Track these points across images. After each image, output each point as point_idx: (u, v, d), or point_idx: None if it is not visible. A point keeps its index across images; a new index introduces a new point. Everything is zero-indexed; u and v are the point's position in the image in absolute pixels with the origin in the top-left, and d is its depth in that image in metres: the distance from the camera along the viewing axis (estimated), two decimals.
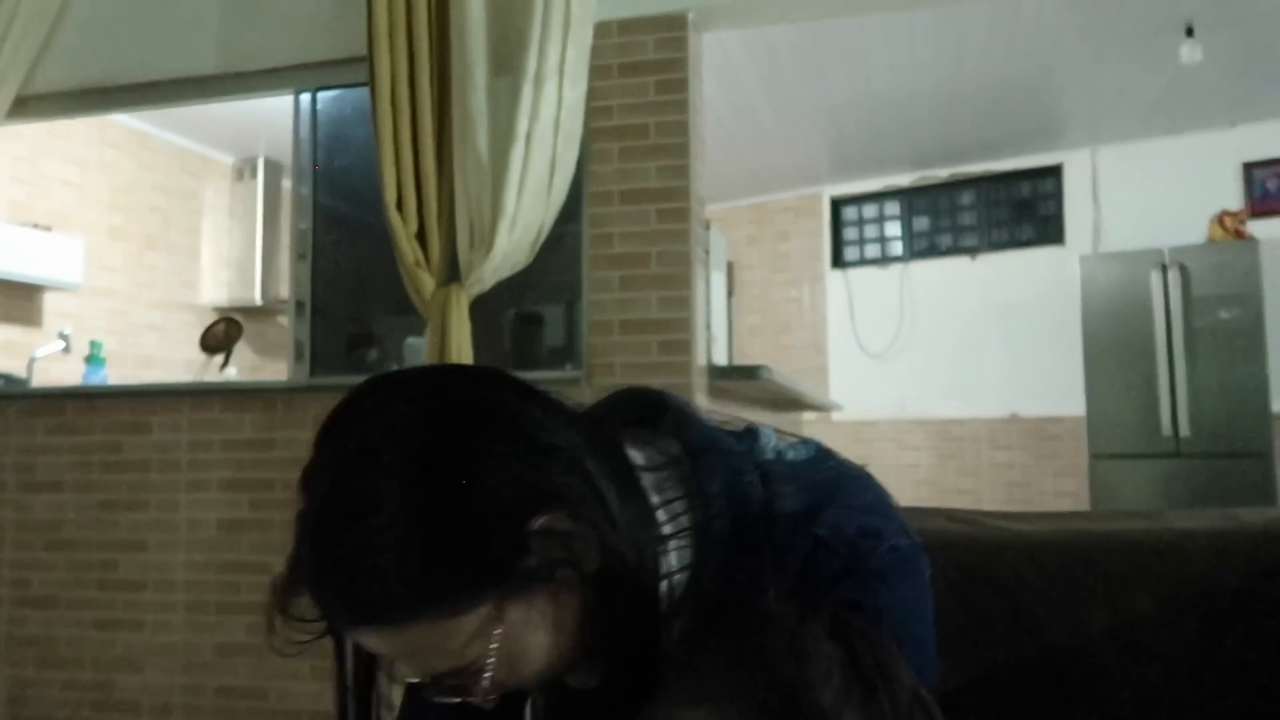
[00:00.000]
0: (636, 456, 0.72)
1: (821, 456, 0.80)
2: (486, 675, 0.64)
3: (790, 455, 0.79)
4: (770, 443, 0.79)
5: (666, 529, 0.69)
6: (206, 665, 2.71)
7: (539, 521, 0.63)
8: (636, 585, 0.66)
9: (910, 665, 0.66)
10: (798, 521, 0.71)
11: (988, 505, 5.88)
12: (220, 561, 2.73)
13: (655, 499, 0.70)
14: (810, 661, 0.60)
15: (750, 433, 0.79)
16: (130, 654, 2.77)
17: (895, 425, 6.26)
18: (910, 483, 6.16)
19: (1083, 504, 5.31)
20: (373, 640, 0.65)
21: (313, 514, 0.65)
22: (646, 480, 0.71)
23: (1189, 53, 4.04)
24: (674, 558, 0.69)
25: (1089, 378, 4.95)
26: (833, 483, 0.76)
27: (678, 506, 0.70)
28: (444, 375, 0.71)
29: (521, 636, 0.64)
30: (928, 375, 6.14)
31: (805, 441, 0.82)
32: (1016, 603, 1.02)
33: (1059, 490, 5.76)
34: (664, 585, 0.68)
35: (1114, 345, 4.88)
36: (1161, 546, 1.03)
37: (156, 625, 2.76)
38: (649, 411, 0.78)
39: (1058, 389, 5.60)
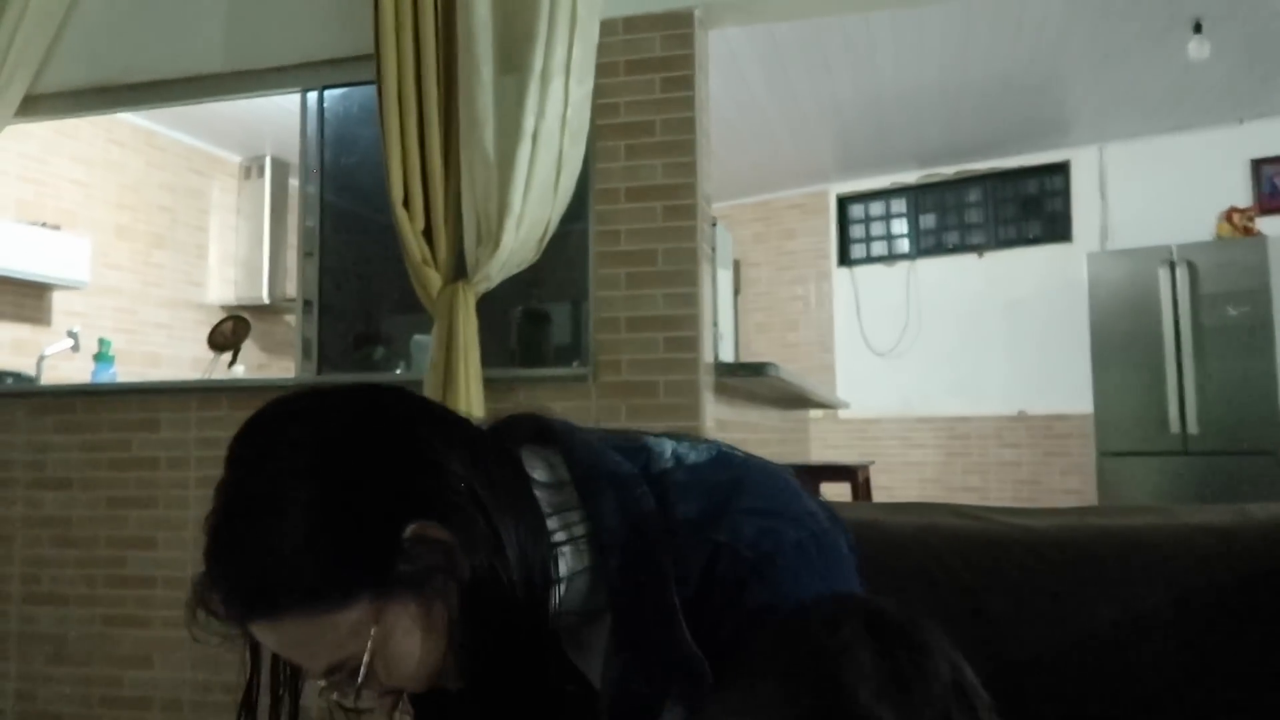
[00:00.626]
0: (534, 471, 0.76)
1: (723, 457, 0.80)
2: (362, 674, 0.68)
3: (691, 458, 0.78)
4: (667, 451, 0.79)
5: (559, 536, 0.73)
6: (215, 662, 2.72)
7: (412, 529, 0.67)
8: (512, 594, 0.69)
9: None
10: (695, 528, 0.72)
11: (995, 503, 5.86)
12: None
13: (549, 510, 0.74)
14: (847, 663, 0.61)
15: (642, 449, 0.79)
16: (139, 650, 2.78)
17: (902, 423, 6.25)
18: (917, 480, 6.15)
19: (1090, 501, 5.29)
20: (263, 633, 0.69)
21: (214, 515, 0.70)
22: (541, 493, 0.74)
23: (1197, 49, 4.03)
24: (567, 563, 0.72)
25: (1097, 375, 4.93)
26: (731, 484, 0.76)
27: (572, 516, 0.73)
28: (344, 393, 0.75)
29: (396, 638, 0.69)
30: (934, 373, 6.13)
31: (707, 443, 0.82)
32: (1024, 598, 1.02)
33: (1066, 488, 5.75)
34: (560, 589, 0.72)
35: (1122, 343, 4.87)
36: (1170, 542, 1.02)
37: (165, 621, 2.77)
38: (541, 434, 0.80)
39: (1065, 386, 5.59)
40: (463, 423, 0.76)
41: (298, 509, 0.67)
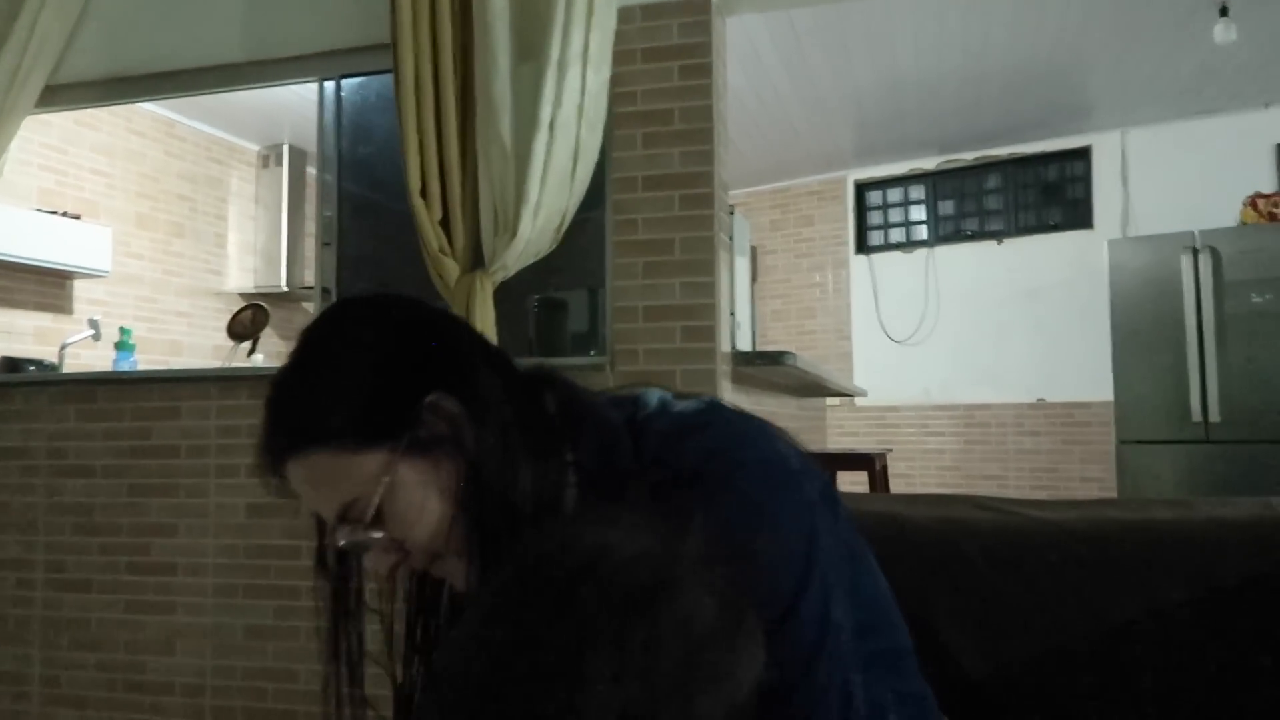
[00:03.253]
0: (548, 402, 0.86)
1: (709, 407, 0.84)
2: (369, 513, 0.78)
3: (677, 407, 0.84)
4: (654, 400, 0.85)
5: (547, 460, 0.81)
6: (236, 647, 2.75)
7: (431, 397, 0.79)
8: (512, 486, 0.78)
9: (752, 578, 0.69)
10: (652, 460, 0.79)
11: (1014, 491, 5.85)
12: (249, 545, 2.76)
13: (545, 438, 0.83)
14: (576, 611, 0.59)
15: (631, 399, 0.86)
16: (161, 636, 2.81)
17: (920, 411, 6.22)
18: (935, 469, 6.13)
19: (1110, 490, 5.26)
20: (295, 472, 0.80)
21: (278, 371, 0.84)
22: (544, 421, 0.84)
23: (1223, 32, 3.97)
24: (543, 479, 0.80)
25: (1117, 363, 4.89)
26: (700, 425, 0.81)
27: (553, 454, 0.82)
28: (407, 296, 0.88)
29: (405, 491, 0.78)
30: (953, 361, 6.10)
31: (700, 399, 0.86)
32: (1044, 591, 1.02)
33: (1086, 476, 5.71)
34: (532, 503, 0.79)
35: (1143, 330, 4.82)
36: (1193, 535, 1.02)
37: (187, 608, 2.80)
38: (548, 377, 0.89)
39: (1085, 374, 5.54)
40: (491, 345, 0.88)
41: (340, 364, 0.80)
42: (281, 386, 0.82)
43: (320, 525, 0.85)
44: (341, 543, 0.82)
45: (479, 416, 0.79)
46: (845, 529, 0.86)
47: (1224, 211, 5.02)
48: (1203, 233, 4.75)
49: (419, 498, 0.79)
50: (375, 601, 0.92)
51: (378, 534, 0.79)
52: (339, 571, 0.88)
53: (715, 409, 0.84)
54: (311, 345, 0.84)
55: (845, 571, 0.81)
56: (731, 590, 0.62)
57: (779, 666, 0.70)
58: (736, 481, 0.76)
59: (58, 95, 3.16)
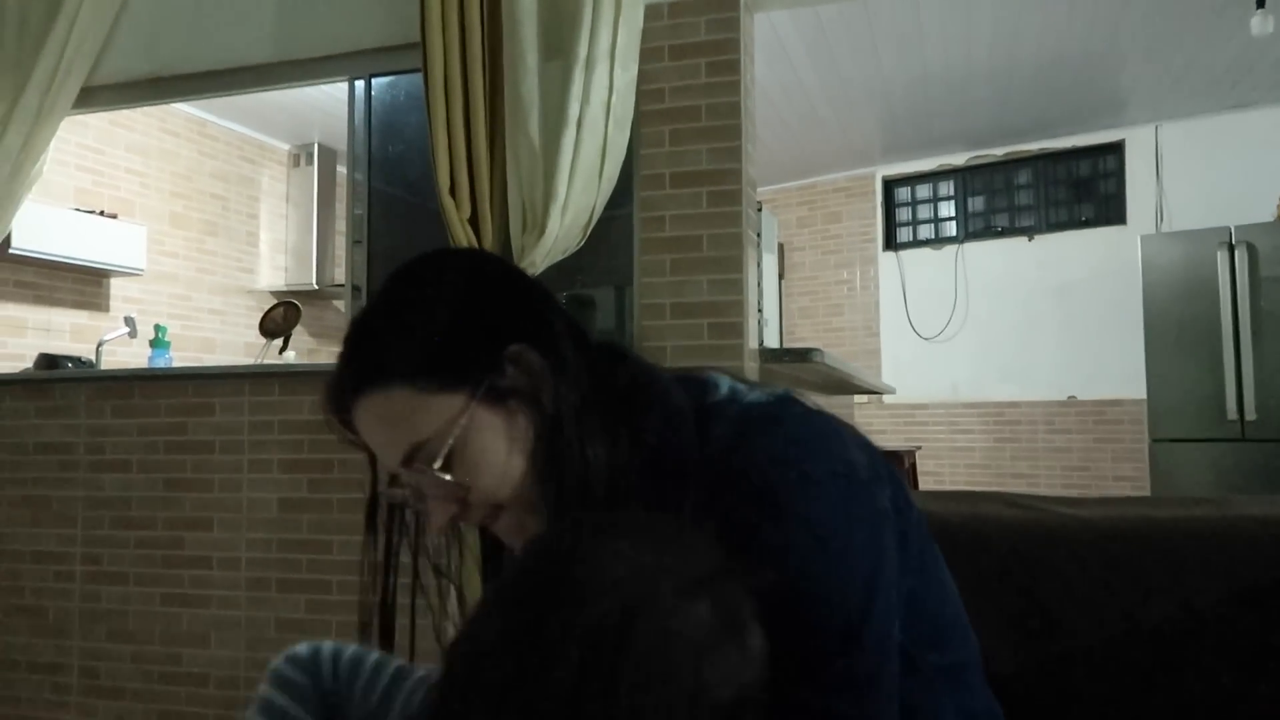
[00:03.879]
0: (620, 375, 0.83)
1: (782, 400, 0.81)
2: (441, 458, 0.76)
3: (749, 397, 0.81)
4: (724, 386, 0.83)
5: (617, 431, 0.79)
6: (269, 640, 2.78)
7: (514, 348, 0.78)
8: (579, 440, 0.77)
9: (809, 596, 0.69)
10: (718, 453, 0.76)
11: (1045, 490, 5.79)
12: (281, 540, 2.80)
13: (615, 410, 0.81)
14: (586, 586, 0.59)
15: (701, 382, 0.84)
16: (196, 628, 2.86)
17: (949, 409, 6.18)
18: (964, 467, 6.08)
19: (1143, 489, 5.20)
20: (369, 406, 0.79)
21: (359, 311, 0.85)
22: (614, 394, 0.81)
23: (1260, 24, 3.90)
24: (614, 446, 0.78)
25: (1150, 360, 4.83)
26: (769, 418, 0.78)
27: (623, 425, 0.80)
28: (496, 256, 0.90)
29: (478, 437, 0.77)
30: (982, 358, 6.05)
31: (773, 389, 0.84)
32: (1077, 590, 1.01)
33: (1118, 475, 5.64)
34: (604, 468, 0.77)
35: (1177, 327, 4.75)
36: (1227, 534, 1.00)
37: (221, 601, 2.84)
38: (620, 350, 0.88)
39: (1117, 371, 5.48)
40: (569, 313, 0.86)
41: (427, 305, 0.79)
42: (363, 324, 0.82)
43: (374, 474, 0.85)
44: (403, 488, 0.82)
45: (560, 373, 0.79)
46: (916, 535, 0.82)
47: (1260, 206, 4.94)
48: (1238, 228, 4.67)
49: (492, 446, 0.78)
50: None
51: (447, 476, 0.78)
52: (390, 527, 0.88)
53: (786, 404, 0.81)
54: (399, 287, 0.83)
55: (911, 584, 0.79)
56: (734, 604, 0.62)
57: (835, 691, 0.70)
58: (802, 503, 0.72)
59: (95, 96, 3.21)
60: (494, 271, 0.85)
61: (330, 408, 0.82)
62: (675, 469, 0.77)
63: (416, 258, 0.86)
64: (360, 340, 0.82)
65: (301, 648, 0.91)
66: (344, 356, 0.82)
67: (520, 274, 0.87)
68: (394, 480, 0.83)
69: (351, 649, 0.91)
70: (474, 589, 0.91)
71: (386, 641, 0.94)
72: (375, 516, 0.88)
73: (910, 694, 0.76)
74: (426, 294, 0.81)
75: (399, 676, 0.87)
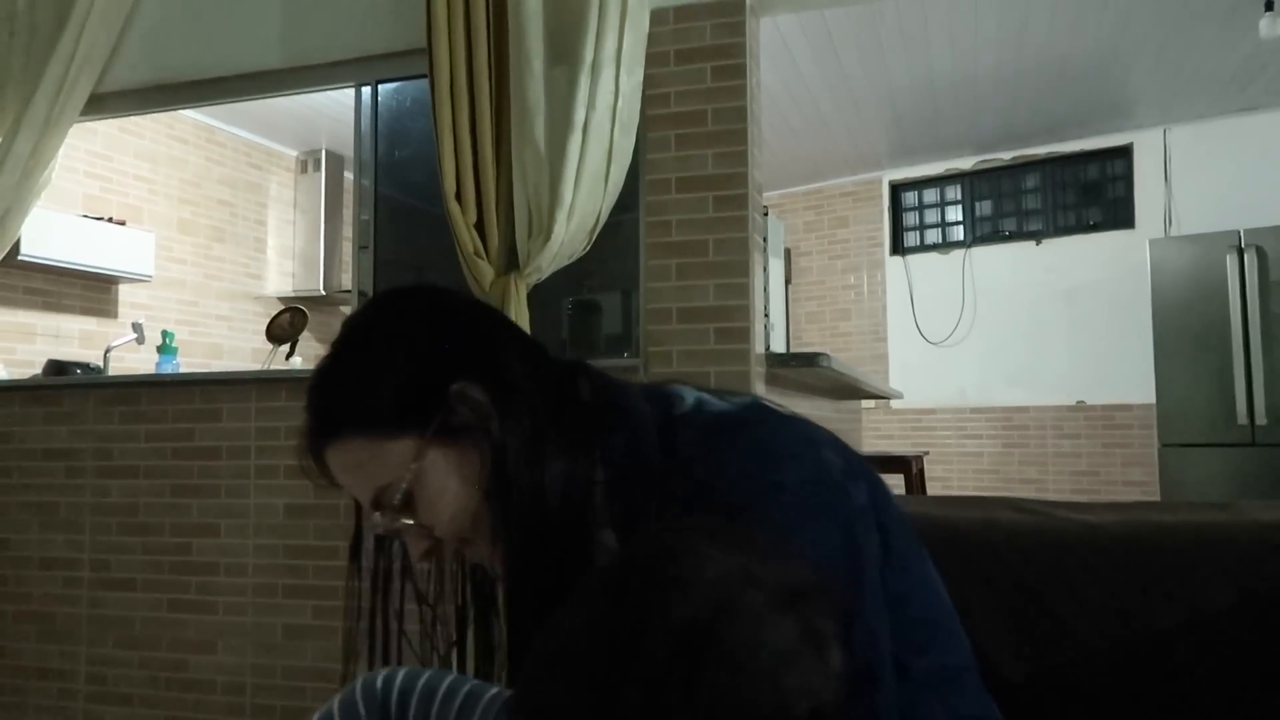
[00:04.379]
0: (577, 390, 0.86)
1: (751, 407, 0.82)
2: (399, 498, 0.80)
3: (716, 407, 0.82)
4: (689, 399, 0.84)
5: (577, 450, 0.81)
6: (276, 646, 2.78)
7: (458, 386, 0.80)
8: (531, 468, 0.79)
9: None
10: (686, 465, 0.76)
11: (1053, 495, 5.77)
12: (287, 546, 2.80)
13: (576, 428, 0.83)
14: (652, 625, 0.59)
15: (667, 395, 0.85)
16: (203, 635, 2.86)
17: (957, 413, 6.16)
18: (972, 472, 6.06)
19: (1152, 494, 5.17)
20: (332, 458, 0.83)
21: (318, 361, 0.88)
22: (576, 411, 0.84)
23: (1269, 26, 3.89)
24: (572, 468, 0.80)
25: (1159, 364, 4.80)
26: (737, 426, 0.79)
27: (586, 442, 0.82)
28: (442, 288, 0.90)
29: (434, 476, 0.80)
30: (990, 363, 6.03)
31: (740, 398, 0.84)
32: (1085, 595, 1.00)
33: (1127, 480, 5.61)
34: (559, 491, 0.80)
35: (1186, 331, 4.73)
36: (1237, 540, 1.00)
37: (228, 607, 2.84)
38: (584, 368, 0.90)
39: (1126, 376, 5.45)
40: (526, 336, 0.89)
41: (372, 352, 0.83)
42: (321, 375, 0.86)
43: (358, 510, 0.89)
44: (377, 528, 0.85)
45: (505, 405, 0.81)
46: (899, 531, 0.82)
47: (1270, 209, 4.92)
48: (1248, 231, 4.65)
49: (446, 484, 0.81)
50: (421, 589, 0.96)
51: (408, 520, 0.81)
52: (378, 557, 0.91)
53: (754, 410, 0.81)
54: (348, 335, 0.87)
55: (895, 586, 0.78)
56: (821, 621, 0.62)
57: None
58: (775, 511, 0.72)
59: (103, 103, 3.22)
60: (436, 309, 0.87)
61: (304, 458, 0.86)
62: (643, 481, 0.77)
63: (368, 302, 0.91)
64: (317, 393, 0.85)
65: (375, 676, 0.91)
66: (306, 409, 0.85)
67: (467, 305, 0.88)
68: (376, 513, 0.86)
69: (426, 676, 0.90)
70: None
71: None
72: (359, 550, 0.92)
73: (900, 699, 0.76)
74: (371, 341, 0.84)
75: (470, 699, 0.87)
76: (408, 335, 0.83)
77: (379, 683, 0.89)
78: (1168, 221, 5.57)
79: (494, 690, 0.88)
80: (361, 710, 0.87)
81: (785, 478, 0.74)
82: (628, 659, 0.58)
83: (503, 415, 0.80)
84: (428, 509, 0.81)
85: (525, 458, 0.79)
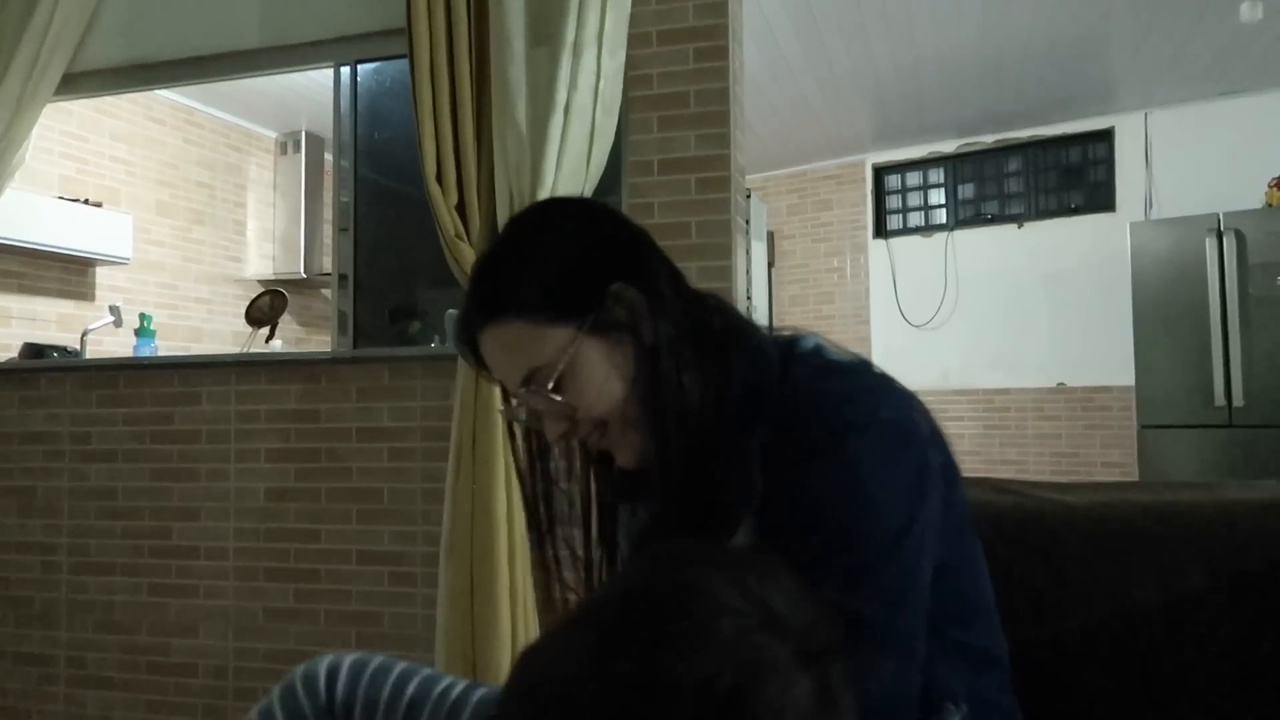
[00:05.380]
0: (714, 320, 0.93)
1: (860, 361, 0.89)
2: (553, 380, 0.86)
3: (831, 355, 0.90)
4: (810, 344, 0.91)
5: (710, 364, 0.88)
6: (257, 630, 2.78)
7: (616, 286, 0.87)
8: (674, 371, 0.85)
9: (853, 514, 0.77)
10: (797, 390, 0.85)
11: (1033, 476, 5.80)
12: (268, 529, 2.79)
13: (710, 346, 0.90)
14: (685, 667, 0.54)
15: (789, 339, 0.93)
16: (184, 618, 2.85)
17: (939, 396, 6.19)
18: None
19: (1131, 474, 5.22)
20: (490, 340, 0.89)
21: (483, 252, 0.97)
22: (709, 333, 0.91)
23: (1249, 11, 3.90)
24: (707, 378, 0.87)
25: (1139, 347, 4.84)
26: (843, 371, 0.87)
27: (714, 361, 0.89)
28: (608, 205, 0.99)
29: (585, 364, 0.86)
30: (972, 345, 6.06)
31: (856, 355, 0.91)
32: (1064, 575, 1.01)
33: (1106, 461, 5.67)
34: (698, 394, 0.86)
35: (1165, 314, 4.77)
36: (1214, 518, 1.00)
37: (209, 591, 2.83)
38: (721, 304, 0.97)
39: (1106, 358, 5.50)
40: (670, 260, 0.95)
41: (538, 246, 0.90)
42: (485, 264, 0.92)
43: (505, 396, 0.94)
44: (518, 412, 0.91)
45: (657, 310, 0.87)
46: (960, 512, 0.88)
47: (1249, 194, 4.95)
48: (1227, 215, 4.68)
49: (595, 372, 0.87)
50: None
51: (557, 398, 0.86)
52: (527, 439, 0.97)
53: (865, 364, 0.89)
54: (517, 230, 0.95)
55: (945, 556, 0.83)
56: (837, 681, 0.57)
57: (865, 598, 0.74)
58: (864, 435, 0.80)
59: (77, 83, 3.18)
60: (603, 217, 0.94)
61: (461, 339, 0.93)
62: (757, 401, 0.85)
63: (533, 204, 1.01)
64: (482, 279, 0.91)
65: (319, 664, 0.94)
66: (469, 294, 0.92)
67: (627, 221, 0.95)
68: (509, 401, 0.92)
69: (372, 669, 0.92)
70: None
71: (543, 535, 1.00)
72: (513, 428, 0.98)
73: (928, 660, 0.80)
74: (541, 237, 0.91)
75: (418, 702, 0.88)
76: (574, 233, 0.91)
77: (321, 670, 0.90)
78: (1148, 205, 5.61)
79: (444, 684, 0.90)
80: (303, 701, 0.88)
81: (881, 414, 0.82)
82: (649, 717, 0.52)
83: (655, 319, 0.87)
84: (576, 392, 0.87)
85: (670, 360, 0.86)
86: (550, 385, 0.86)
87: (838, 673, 0.57)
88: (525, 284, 0.88)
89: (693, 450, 0.84)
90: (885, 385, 0.87)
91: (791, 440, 0.81)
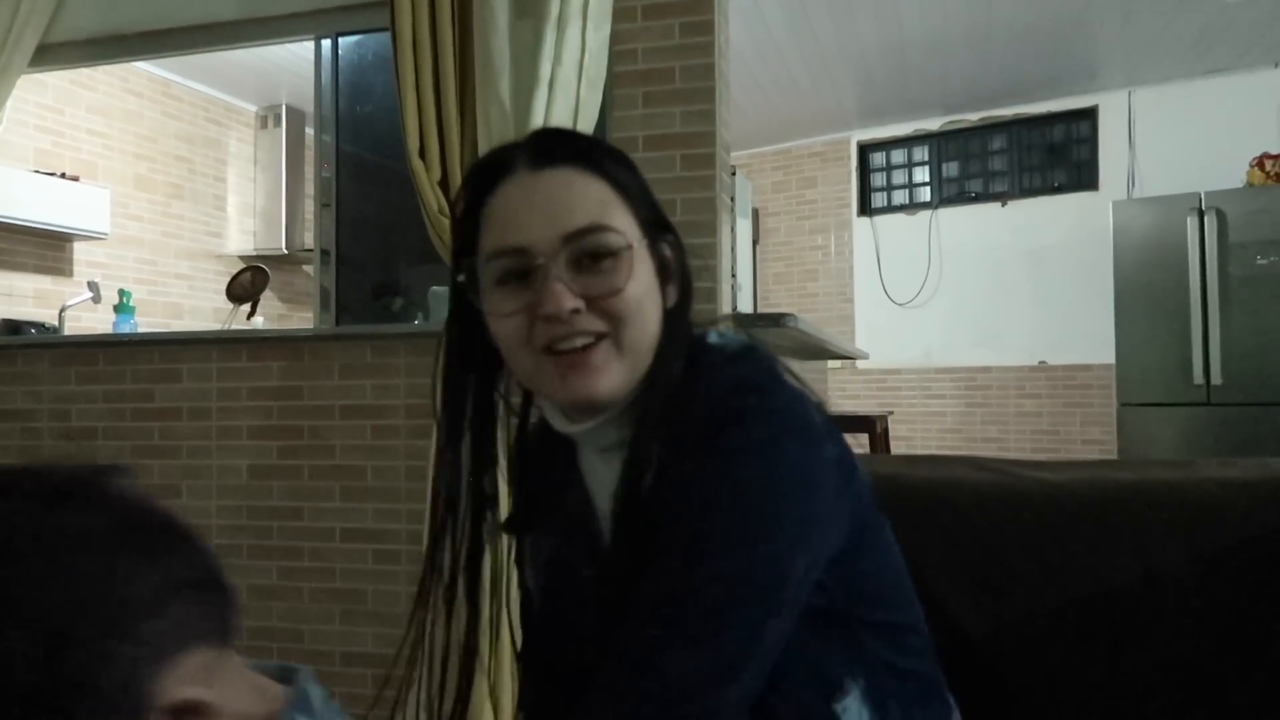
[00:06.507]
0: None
1: (752, 350, 0.87)
2: (610, 252, 0.81)
3: (725, 343, 0.88)
4: (703, 334, 0.90)
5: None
6: (242, 607, 2.76)
7: (673, 236, 0.89)
8: (682, 340, 0.85)
9: (735, 520, 0.74)
10: (689, 376, 0.83)
11: (1014, 454, 5.87)
12: (251, 507, 2.78)
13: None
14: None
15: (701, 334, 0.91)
16: None
17: (921, 374, 6.22)
18: (936, 431, 6.14)
19: (1110, 452, 5.27)
20: (562, 176, 0.83)
21: None
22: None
23: None
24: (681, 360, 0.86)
25: (1120, 325, 4.88)
26: (738, 358, 0.85)
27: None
28: None
29: (642, 267, 0.84)
30: (955, 323, 6.09)
31: (750, 342, 0.89)
32: (1044, 553, 1.02)
33: (1086, 439, 5.72)
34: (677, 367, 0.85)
35: (1146, 292, 4.80)
36: (1192, 496, 1.01)
37: None
38: None
39: (1087, 337, 5.53)
40: None
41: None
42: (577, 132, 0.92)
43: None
44: (551, 261, 0.81)
45: (686, 277, 0.89)
46: (862, 501, 0.86)
47: (1230, 173, 4.98)
48: (1208, 194, 4.71)
49: (645, 279, 0.84)
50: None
51: (607, 260, 0.81)
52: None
53: (755, 349, 0.87)
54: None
55: (848, 542, 0.82)
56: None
57: (712, 579, 0.73)
58: (750, 424, 0.77)
59: (51, 54, 3.12)
60: None
61: (538, 155, 0.84)
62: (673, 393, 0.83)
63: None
64: (583, 137, 0.90)
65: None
66: (549, 134, 0.88)
67: None
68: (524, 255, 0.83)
69: None
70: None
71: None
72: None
73: (835, 643, 0.80)
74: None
75: None
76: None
77: None
78: (1131, 183, 5.63)
79: None
80: None
81: (771, 403, 0.79)
82: None
83: (684, 285, 0.89)
84: (627, 275, 0.82)
85: (686, 331, 0.87)
86: (608, 249, 0.81)
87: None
88: (618, 164, 0.86)
89: (657, 414, 0.82)
90: (780, 377, 0.84)
91: (675, 433, 0.79)
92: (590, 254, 0.81)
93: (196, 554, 0.61)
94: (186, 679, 0.56)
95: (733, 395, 0.79)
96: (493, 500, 0.94)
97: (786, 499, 0.76)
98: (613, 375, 0.82)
